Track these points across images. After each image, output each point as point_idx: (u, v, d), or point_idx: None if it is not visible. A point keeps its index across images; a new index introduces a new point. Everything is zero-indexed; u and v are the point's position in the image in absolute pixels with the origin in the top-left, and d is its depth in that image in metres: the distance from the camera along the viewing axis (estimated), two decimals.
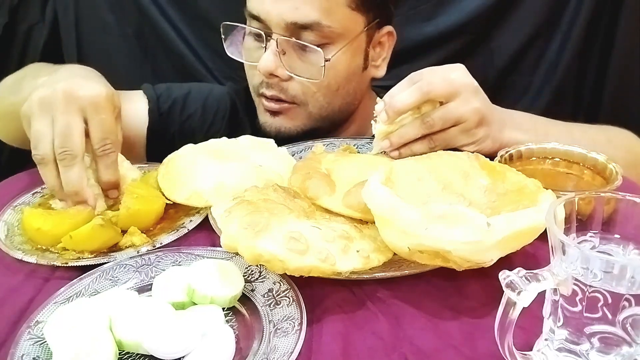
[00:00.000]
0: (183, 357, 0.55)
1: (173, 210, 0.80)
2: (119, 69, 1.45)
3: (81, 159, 0.75)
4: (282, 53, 0.94)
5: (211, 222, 0.72)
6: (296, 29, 0.93)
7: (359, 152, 0.94)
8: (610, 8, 1.34)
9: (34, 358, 0.55)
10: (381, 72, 1.08)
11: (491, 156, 0.77)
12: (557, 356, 0.51)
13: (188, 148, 0.87)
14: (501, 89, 1.40)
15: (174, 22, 1.42)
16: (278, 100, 0.99)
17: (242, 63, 1.03)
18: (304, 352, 0.55)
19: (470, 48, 1.39)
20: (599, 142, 0.87)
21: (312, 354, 0.56)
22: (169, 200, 0.78)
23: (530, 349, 0.53)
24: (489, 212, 0.62)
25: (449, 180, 0.67)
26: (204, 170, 0.80)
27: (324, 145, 0.96)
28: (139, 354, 0.56)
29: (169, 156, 0.85)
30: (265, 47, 0.94)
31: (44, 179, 0.76)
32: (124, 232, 0.74)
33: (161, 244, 0.72)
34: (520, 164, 0.82)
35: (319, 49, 0.94)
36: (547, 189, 0.64)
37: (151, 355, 0.56)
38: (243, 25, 0.99)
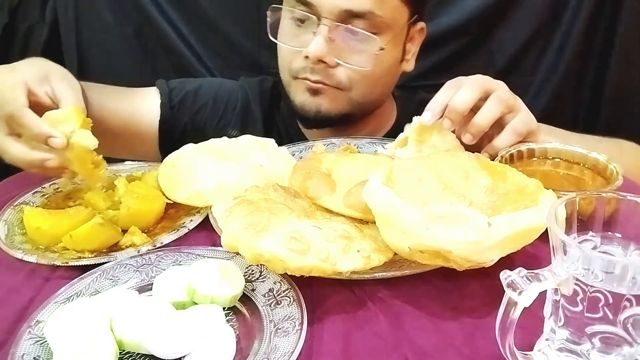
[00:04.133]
0: (183, 356, 0.55)
1: (173, 210, 0.80)
2: (119, 69, 1.45)
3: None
4: (332, 40, 0.95)
5: (212, 221, 0.72)
6: (348, 17, 0.94)
7: (359, 152, 0.94)
8: (610, 8, 1.34)
9: (34, 357, 0.55)
10: (410, 66, 1.09)
11: (492, 156, 0.77)
12: (558, 356, 0.51)
13: (188, 148, 0.87)
14: None
15: (174, 22, 1.42)
16: (322, 84, 1.00)
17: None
18: (305, 351, 0.55)
19: (470, 48, 1.39)
20: (614, 152, 0.88)
21: (313, 353, 0.56)
22: (169, 199, 0.78)
23: (531, 349, 0.53)
24: (490, 212, 0.62)
25: (449, 180, 0.67)
26: (205, 170, 0.80)
27: (324, 145, 0.96)
28: (139, 353, 0.56)
29: (170, 156, 0.85)
30: (315, 32, 0.94)
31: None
32: (124, 231, 0.74)
33: (162, 243, 0.72)
34: (521, 164, 0.82)
35: (375, 36, 0.95)
36: (548, 189, 0.64)
37: (152, 355, 0.56)
38: (292, 9, 0.98)
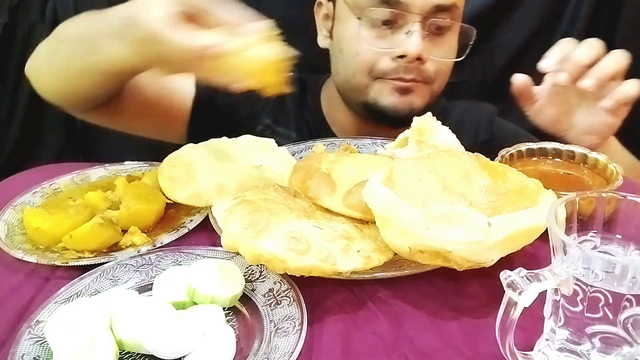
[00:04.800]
0: (184, 356, 0.55)
1: (173, 210, 0.80)
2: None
3: None
4: (425, 36, 0.96)
5: (212, 221, 0.72)
6: (436, 11, 0.95)
7: (359, 152, 0.94)
8: (610, 8, 1.34)
9: (34, 357, 0.55)
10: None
11: (491, 156, 0.77)
12: (558, 356, 0.51)
13: (188, 148, 0.87)
14: (501, 88, 1.40)
15: None
16: (414, 81, 1.00)
17: None
18: (305, 352, 0.55)
19: (471, 48, 1.39)
20: None
21: (313, 353, 0.56)
22: (169, 199, 0.78)
23: (531, 349, 0.53)
24: (490, 212, 0.62)
25: (449, 180, 0.67)
26: (205, 170, 0.80)
27: (324, 145, 0.96)
28: (139, 353, 0.56)
29: (170, 156, 0.85)
30: (410, 31, 0.95)
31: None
32: (124, 231, 0.74)
33: (162, 243, 0.72)
34: (521, 163, 0.82)
35: (472, 27, 0.99)
36: (547, 189, 0.64)
37: (152, 355, 0.56)
38: (374, 9, 0.97)
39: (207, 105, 1.09)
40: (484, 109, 1.20)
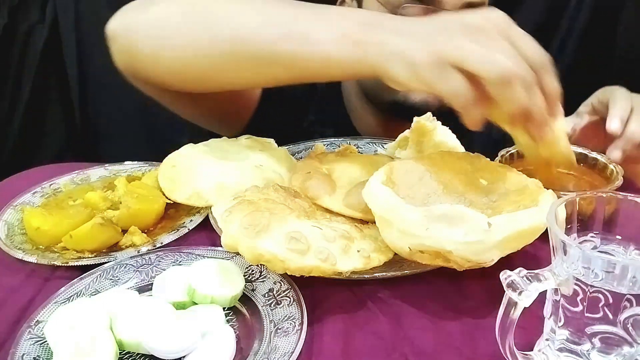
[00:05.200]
0: (183, 356, 0.55)
1: (173, 210, 0.80)
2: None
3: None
4: None
5: (212, 221, 0.72)
6: (465, 8, 0.93)
7: (359, 152, 0.94)
8: (610, 8, 1.34)
9: (34, 358, 0.55)
10: None
11: (491, 156, 0.77)
12: (558, 356, 0.51)
13: (188, 148, 0.87)
14: None
15: None
16: None
17: None
18: (305, 352, 0.55)
19: None
20: None
21: (313, 353, 0.56)
22: (169, 199, 0.78)
23: (531, 349, 0.53)
24: (490, 212, 0.62)
25: (449, 180, 0.67)
26: (205, 170, 0.80)
27: (324, 145, 0.96)
28: (139, 353, 0.56)
29: (170, 156, 0.85)
30: None
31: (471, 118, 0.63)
32: (124, 231, 0.74)
33: (161, 243, 0.72)
34: (521, 164, 0.82)
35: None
36: (547, 189, 0.64)
37: (152, 355, 0.56)
38: (427, 7, 0.93)
39: (270, 98, 1.06)
40: None
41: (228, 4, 0.77)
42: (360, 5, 1.04)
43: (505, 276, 0.48)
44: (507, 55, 0.60)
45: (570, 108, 1.42)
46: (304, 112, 1.11)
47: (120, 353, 0.56)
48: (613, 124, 0.80)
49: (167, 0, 0.81)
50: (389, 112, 1.06)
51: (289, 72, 0.73)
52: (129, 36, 0.84)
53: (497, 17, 0.63)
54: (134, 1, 0.86)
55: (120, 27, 0.85)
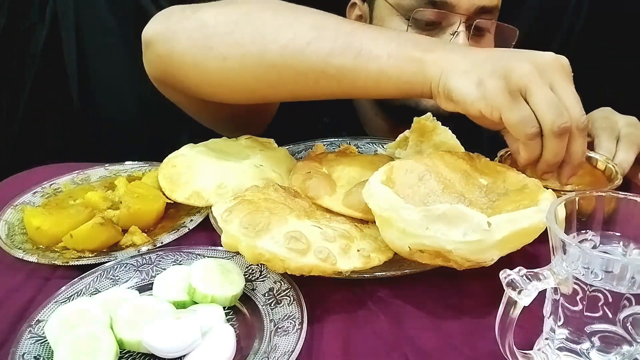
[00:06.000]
0: (184, 356, 0.55)
1: (174, 210, 0.80)
2: (119, 69, 1.44)
3: None
4: (470, 36, 0.95)
5: (212, 221, 0.72)
6: (479, 13, 0.95)
7: (359, 152, 0.94)
8: (610, 8, 1.34)
9: (35, 357, 0.55)
10: None
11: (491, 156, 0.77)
12: (558, 355, 0.51)
13: (188, 148, 0.87)
14: None
15: None
16: None
17: None
18: (305, 351, 0.55)
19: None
20: None
21: (313, 353, 0.56)
22: (169, 199, 0.78)
23: (531, 348, 0.54)
24: (490, 212, 0.62)
25: (449, 180, 0.67)
26: (205, 170, 0.80)
27: (324, 145, 0.96)
28: (139, 353, 0.57)
29: (170, 156, 0.85)
30: (456, 32, 0.93)
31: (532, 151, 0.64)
32: (124, 231, 0.74)
33: (162, 243, 0.72)
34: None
35: (514, 27, 0.98)
36: (547, 188, 0.64)
37: (152, 355, 0.56)
38: (440, 10, 0.94)
39: (287, 104, 1.02)
40: None
41: (279, 15, 0.75)
42: (371, 8, 1.04)
43: (505, 275, 0.48)
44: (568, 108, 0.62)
45: None
46: (319, 114, 1.10)
47: (120, 352, 0.56)
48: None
49: (213, 6, 0.79)
50: (399, 116, 1.06)
51: (339, 86, 0.72)
52: (170, 42, 0.80)
53: (560, 62, 0.64)
54: (176, 6, 0.83)
55: (160, 32, 0.81)
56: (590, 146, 0.85)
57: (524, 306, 0.47)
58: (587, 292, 0.47)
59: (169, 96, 0.93)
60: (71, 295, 0.62)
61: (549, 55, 0.65)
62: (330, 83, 0.72)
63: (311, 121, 1.05)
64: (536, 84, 0.61)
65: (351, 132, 1.08)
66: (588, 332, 0.48)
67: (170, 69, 0.82)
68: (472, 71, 0.63)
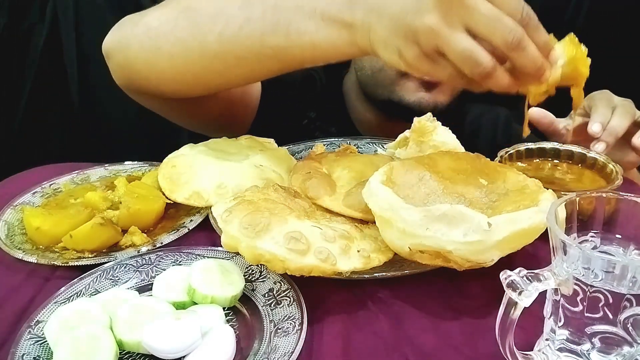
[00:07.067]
0: (184, 356, 0.55)
1: (173, 210, 0.80)
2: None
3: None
4: None
5: (212, 221, 0.72)
6: None
7: (359, 152, 0.94)
8: (610, 7, 1.34)
9: (34, 357, 0.55)
10: None
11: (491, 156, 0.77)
12: (558, 356, 0.51)
13: (188, 148, 0.87)
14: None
15: None
16: None
17: None
18: (305, 352, 0.55)
19: None
20: None
21: (313, 353, 0.56)
22: (169, 200, 0.78)
23: (531, 349, 0.53)
24: (490, 212, 0.62)
25: (449, 180, 0.67)
26: (205, 170, 0.80)
27: (324, 145, 0.96)
28: (139, 353, 0.56)
29: (170, 156, 0.85)
30: None
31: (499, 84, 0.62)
32: (124, 231, 0.74)
33: (162, 243, 0.72)
34: (521, 163, 0.82)
35: None
36: (547, 188, 0.64)
37: (151, 355, 0.56)
38: None
39: (268, 100, 1.06)
40: (500, 113, 1.18)
41: (211, 1, 0.76)
42: None
43: (505, 276, 0.48)
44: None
45: (569, 108, 1.42)
46: (303, 109, 1.10)
47: (120, 353, 0.56)
48: (594, 127, 0.85)
49: (157, 8, 0.82)
50: (385, 110, 1.06)
51: (280, 63, 0.74)
52: (125, 51, 0.84)
53: None
54: (128, 16, 0.86)
55: (114, 43, 0.86)
56: (587, 140, 0.86)
57: (524, 307, 0.47)
58: (588, 292, 0.46)
59: (144, 104, 0.95)
60: (71, 296, 0.62)
61: None
62: (271, 62, 0.74)
63: (296, 116, 1.05)
64: (444, 38, 0.59)
65: (340, 127, 1.08)
66: (588, 333, 0.48)
67: (131, 75, 0.86)
68: (390, 39, 0.62)
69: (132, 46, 0.82)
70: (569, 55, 0.69)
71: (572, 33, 0.70)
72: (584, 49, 0.71)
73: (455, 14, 0.58)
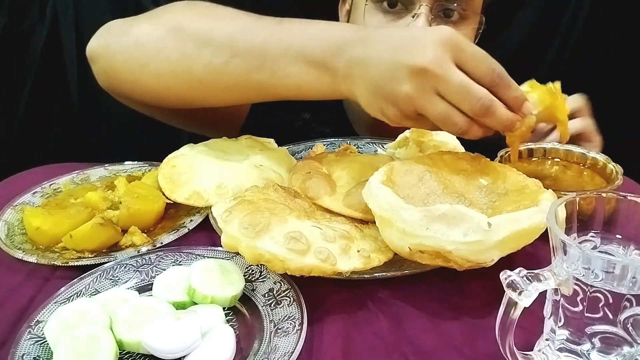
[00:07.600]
0: (184, 357, 0.55)
1: (173, 210, 0.80)
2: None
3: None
4: (433, 20, 0.92)
5: (212, 221, 0.72)
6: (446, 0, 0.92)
7: (359, 152, 0.94)
8: (610, 8, 1.34)
9: (34, 358, 0.55)
10: None
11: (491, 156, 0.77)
12: (558, 356, 0.51)
13: (188, 148, 0.87)
14: None
15: None
16: None
17: None
18: (305, 352, 0.55)
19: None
20: None
21: (313, 353, 0.56)
22: (169, 200, 0.78)
23: (531, 349, 0.53)
24: (490, 212, 0.62)
25: (449, 180, 0.67)
26: (205, 170, 0.80)
27: (324, 145, 0.96)
28: (139, 353, 0.56)
29: (170, 156, 0.85)
30: (416, 14, 0.90)
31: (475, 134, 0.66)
32: (124, 231, 0.74)
33: (161, 243, 0.72)
34: (521, 163, 0.82)
35: (482, 15, 0.97)
36: (547, 188, 0.64)
37: (151, 355, 0.56)
38: None
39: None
40: None
41: (200, 28, 0.78)
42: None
43: (505, 276, 0.48)
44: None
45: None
46: (298, 111, 1.10)
47: (120, 353, 0.56)
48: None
49: (147, 20, 0.83)
50: None
51: (265, 95, 0.77)
52: (110, 60, 0.85)
53: (447, 37, 0.63)
54: (116, 20, 0.87)
55: (101, 48, 0.86)
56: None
57: (525, 307, 0.47)
58: (588, 292, 0.46)
59: (131, 106, 0.96)
60: (71, 296, 0.62)
61: (427, 54, 0.62)
62: (257, 93, 0.78)
63: (289, 117, 1.05)
64: (421, 104, 0.64)
65: (335, 128, 1.08)
66: (588, 333, 0.48)
67: (115, 82, 0.87)
68: (372, 99, 0.67)
69: (118, 56, 0.83)
70: (544, 105, 0.72)
71: (552, 83, 0.75)
72: (562, 97, 0.75)
73: (427, 84, 0.62)
